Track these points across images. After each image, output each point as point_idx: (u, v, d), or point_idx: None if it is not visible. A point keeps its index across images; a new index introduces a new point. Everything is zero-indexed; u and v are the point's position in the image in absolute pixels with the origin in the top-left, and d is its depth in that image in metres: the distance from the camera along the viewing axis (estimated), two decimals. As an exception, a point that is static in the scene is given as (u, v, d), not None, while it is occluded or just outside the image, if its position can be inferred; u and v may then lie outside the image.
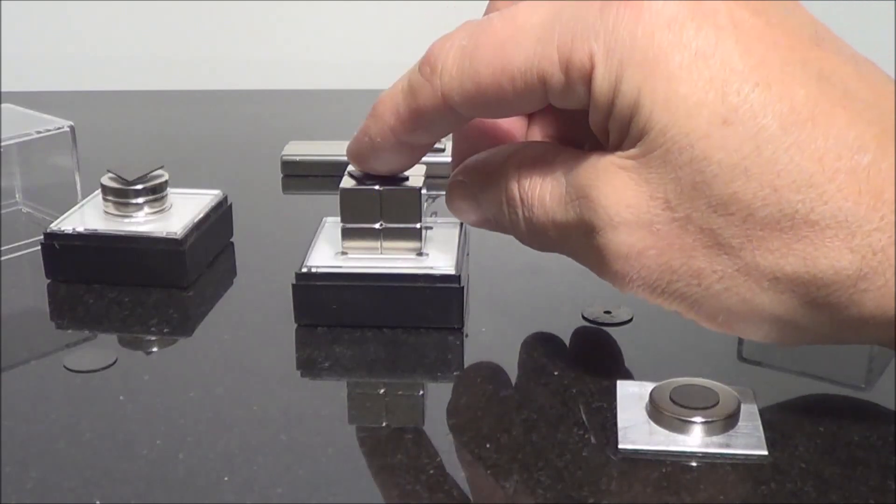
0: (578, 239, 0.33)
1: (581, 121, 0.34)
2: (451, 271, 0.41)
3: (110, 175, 0.46)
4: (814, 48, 0.31)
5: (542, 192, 0.34)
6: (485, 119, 0.38)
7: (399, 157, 0.39)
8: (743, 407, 0.34)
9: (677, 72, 0.30)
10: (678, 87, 0.30)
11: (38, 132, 0.49)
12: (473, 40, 0.33)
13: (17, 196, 0.53)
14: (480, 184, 0.37)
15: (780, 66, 0.30)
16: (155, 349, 0.41)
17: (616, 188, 0.32)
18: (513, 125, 0.39)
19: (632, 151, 0.31)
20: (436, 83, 0.34)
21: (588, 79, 0.31)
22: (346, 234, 0.42)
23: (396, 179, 0.41)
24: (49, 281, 0.46)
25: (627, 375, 0.37)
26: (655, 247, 0.31)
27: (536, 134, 0.38)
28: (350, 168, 0.43)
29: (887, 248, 0.29)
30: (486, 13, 0.36)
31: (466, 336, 0.41)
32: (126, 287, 0.45)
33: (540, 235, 0.35)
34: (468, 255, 0.44)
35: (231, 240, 0.50)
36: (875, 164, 0.29)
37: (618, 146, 0.32)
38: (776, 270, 0.30)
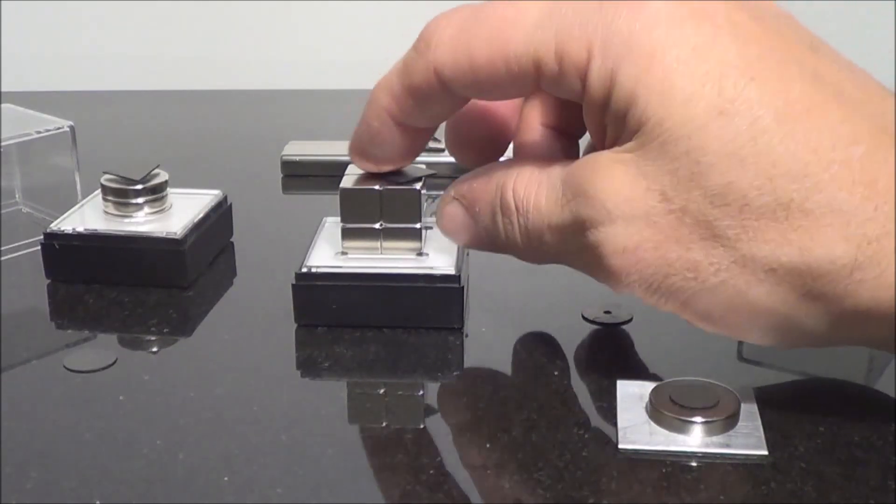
0: (574, 240, 0.33)
1: (576, 110, 0.34)
2: (451, 271, 0.41)
3: (110, 175, 0.46)
4: (809, 53, 0.32)
5: (537, 197, 0.34)
6: (478, 103, 0.38)
7: (397, 145, 0.38)
8: (743, 407, 0.34)
9: (674, 65, 0.30)
10: (675, 79, 0.30)
11: (38, 132, 0.49)
12: (472, 19, 0.33)
13: (17, 196, 0.53)
14: (473, 198, 0.37)
15: (776, 64, 0.30)
16: (155, 349, 0.41)
17: (613, 182, 0.32)
18: (507, 112, 0.39)
19: (628, 145, 0.31)
20: (429, 57, 0.34)
21: (582, 71, 0.32)
22: (346, 234, 0.42)
23: (398, 179, 0.41)
24: (49, 281, 0.46)
25: (627, 375, 0.37)
26: (652, 240, 0.31)
27: (530, 121, 0.38)
28: (350, 168, 0.43)
29: (882, 237, 0.29)
30: None
31: (466, 336, 0.41)
32: (126, 287, 0.45)
33: (535, 243, 0.35)
34: (468, 255, 0.44)
35: (231, 240, 0.50)
36: (868, 155, 0.29)
37: (614, 141, 0.32)
38: (772, 261, 0.30)
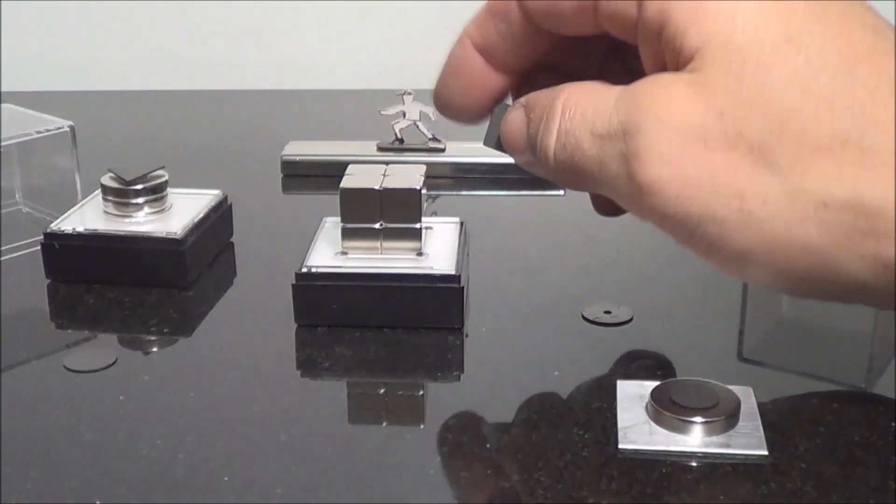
0: (614, 148, 0.32)
1: None
2: (451, 271, 0.41)
3: (110, 175, 0.46)
4: (867, 11, 0.32)
5: (586, 104, 0.33)
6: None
7: (477, 79, 0.37)
8: (743, 407, 0.34)
9: None
10: (745, 4, 0.30)
11: (38, 132, 0.49)
12: None
13: (17, 196, 0.53)
14: (533, 104, 0.36)
15: (839, 12, 0.31)
16: (155, 349, 0.41)
17: (670, 95, 0.31)
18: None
19: (691, 65, 0.31)
20: None
21: None
22: (346, 234, 0.42)
23: (401, 179, 0.41)
24: (49, 281, 0.46)
25: (627, 375, 0.37)
26: (700, 158, 0.30)
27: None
28: (350, 167, 0.43)
29: None
30: None
31: (466, 336, 0.41)
32: (126, 287, 0.45)
33: (570, 149, 0.33)
34: (468, 255, 0.44)
35: (231, 240, 0.50)
36: None
37: (673, 66, 0.32)
38: (824, 194, 0.30)
